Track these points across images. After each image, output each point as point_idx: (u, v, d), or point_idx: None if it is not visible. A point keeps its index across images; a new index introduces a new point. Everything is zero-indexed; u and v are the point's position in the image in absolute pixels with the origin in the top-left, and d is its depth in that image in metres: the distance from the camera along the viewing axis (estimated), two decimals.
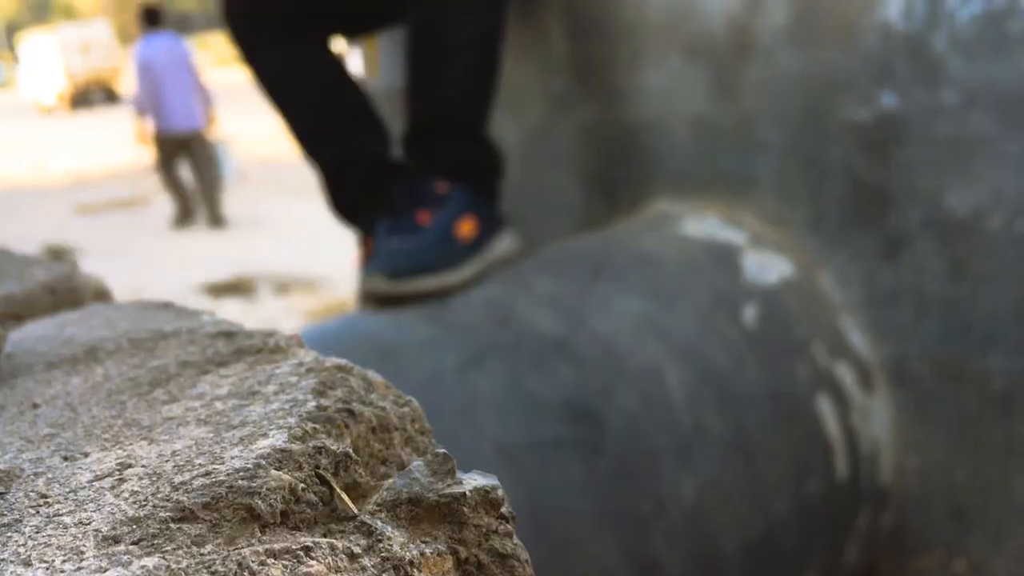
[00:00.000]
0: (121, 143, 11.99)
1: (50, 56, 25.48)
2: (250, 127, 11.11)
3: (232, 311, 4.80)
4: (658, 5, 1.37)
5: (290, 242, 6.22)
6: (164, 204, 7.98)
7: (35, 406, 0.48)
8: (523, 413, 1.04)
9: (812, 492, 1.20)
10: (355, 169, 1.48)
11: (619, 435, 1.09)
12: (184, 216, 7.46)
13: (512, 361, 1.07)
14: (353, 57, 2.16)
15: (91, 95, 25.55)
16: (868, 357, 1.22)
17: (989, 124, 1.04)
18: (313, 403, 0.41)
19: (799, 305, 1.25)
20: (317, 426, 0.39)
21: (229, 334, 0.52)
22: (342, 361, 0.45)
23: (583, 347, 1.13)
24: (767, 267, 1.27)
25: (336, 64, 1.55)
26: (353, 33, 1.63)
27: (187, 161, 7.14)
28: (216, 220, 7.26)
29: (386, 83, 1.88)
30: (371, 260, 1.24)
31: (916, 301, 1.16)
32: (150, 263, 6.25)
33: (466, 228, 1.23)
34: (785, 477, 1.19)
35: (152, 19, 6.98)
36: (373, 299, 1.22)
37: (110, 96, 25.86)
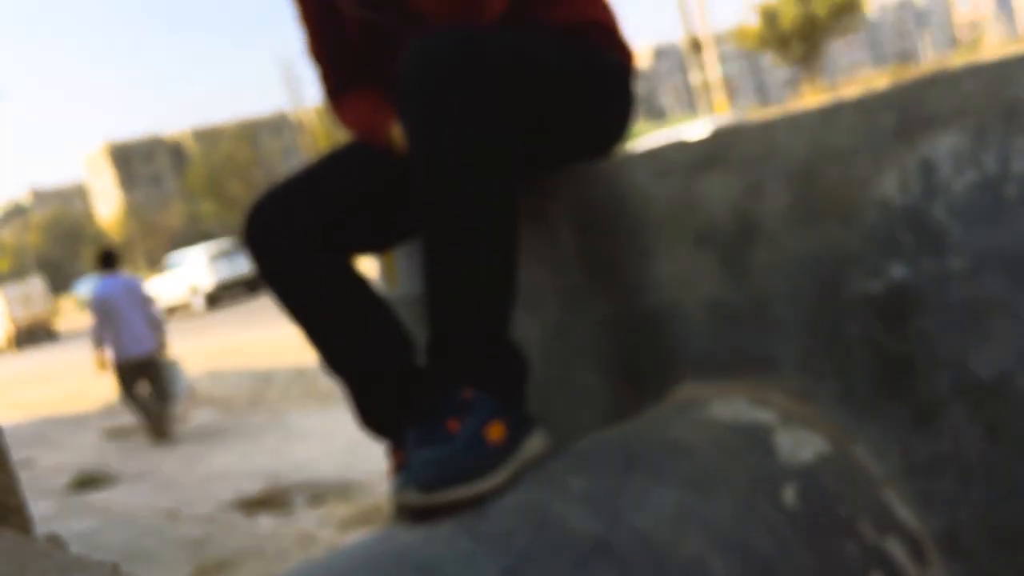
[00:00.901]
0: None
1: None
2: (278, 335, 11.29)
3: (267, 526, 4.73)
4: (661, 198, 1.41)
5: (318, 449, 6.20)
6: (186, 425, 8.26)
7: None
8: None
9: None
10: (380, 381, 1.50)
11: None
12: (157, 433, 8.04)
13: (553, 568, 1.04)
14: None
15: (35, 335, 33.20)
16: (917, 530, 1.19)
17: (1000, 288, 1.05)
18: None
19: (839, 481, 1.23)
20: None
21: None
22: None
23: (623, 545, 1.10)
24: (801, 445, 1.25)
25: (356, 278, 1.60)
26: (372, 248, 1.68)
27: (144, 382, 8.02)
28: (162, 435, 7.96)
29: (405, 292, 1.93)
30: (402, 472, 1.24)
31: (958, 468, 1.14)
32: (182, 483, 6.22)
33: (496, 433, 1.23)
34: None
35: (108, 262, 8.13)
36: (407, 512, 1.20)
37: (50, 335, 33.68)
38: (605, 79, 1.55)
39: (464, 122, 1.28)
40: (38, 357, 23.42)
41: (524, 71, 1.36)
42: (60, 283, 74.25)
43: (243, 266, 22.33)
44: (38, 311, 33.82)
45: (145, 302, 8.02)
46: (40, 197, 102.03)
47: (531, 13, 1.53)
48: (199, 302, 23.22)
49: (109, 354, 7.93)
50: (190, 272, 23.32)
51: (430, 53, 1.28)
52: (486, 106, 1.28)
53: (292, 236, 1.53)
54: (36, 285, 35.06)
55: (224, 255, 23.37)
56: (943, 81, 1.07)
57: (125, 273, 8.53)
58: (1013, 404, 1.08)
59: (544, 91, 1.42)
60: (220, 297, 23.22)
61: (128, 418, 9.14)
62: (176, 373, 8.15)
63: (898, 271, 1.14)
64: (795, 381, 1.29)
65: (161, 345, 8.09)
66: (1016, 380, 1.07)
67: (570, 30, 1.54)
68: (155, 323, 8.06)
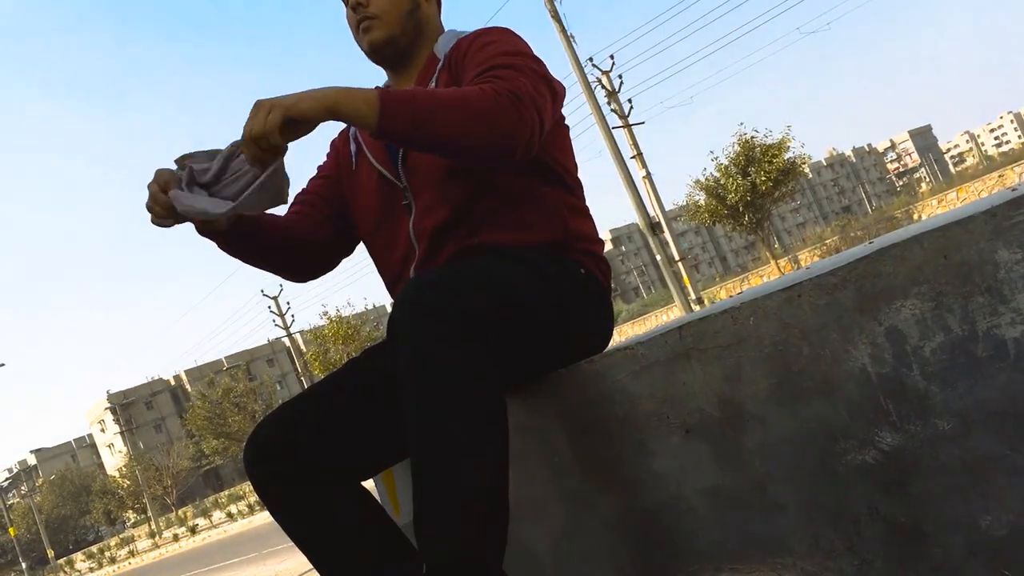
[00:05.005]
0: None
1: None
2: None
3: None
4: (646, 395, 1.44)
5: None
6: None
7: None
8: None
9: None
10: None
11: None
12: None
13: None
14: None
15: None
16: None
17: (991, 443, 1.06)
18: None
19: None
20: None
21: None
22: None
23: None
24: None
25: (359, 502, 1.59)
26: (367, 473, 1.68)
27: None
28: None
29: (408, 520, 1.90)
30: None
31: None
32: None
33: None
34: None
35: None
36: None
37: None
38: (578, 295, 1.60)
39: (443, 360, 1.30)
40: None
41: (499, 311, 1.39)
42: (69, 541, 71.83)
43: None
44: None
45: None
46: (45, 456, 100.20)
47: (513, 236, 1.60)
48: None
49: None
50: None
51: (414, 297, 1.32)
52: (464, 341, 1.31)
53: (288, 459, 1.55)
54: None
55: None
56: (892, 253, 1.12)
57: None
58: None
59: (519, 320, 1.46)
60: None
61: None
62: None
63: (889, 438, 1.15)
64: (810, 562, 1.27)
65: None
66: None
67: (545, 249, 1.60)
68: None
